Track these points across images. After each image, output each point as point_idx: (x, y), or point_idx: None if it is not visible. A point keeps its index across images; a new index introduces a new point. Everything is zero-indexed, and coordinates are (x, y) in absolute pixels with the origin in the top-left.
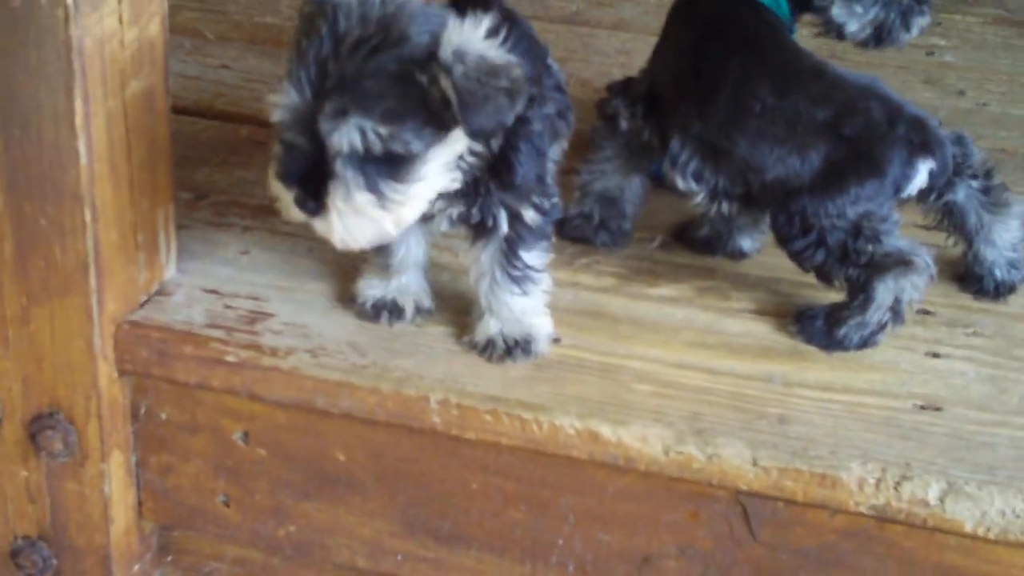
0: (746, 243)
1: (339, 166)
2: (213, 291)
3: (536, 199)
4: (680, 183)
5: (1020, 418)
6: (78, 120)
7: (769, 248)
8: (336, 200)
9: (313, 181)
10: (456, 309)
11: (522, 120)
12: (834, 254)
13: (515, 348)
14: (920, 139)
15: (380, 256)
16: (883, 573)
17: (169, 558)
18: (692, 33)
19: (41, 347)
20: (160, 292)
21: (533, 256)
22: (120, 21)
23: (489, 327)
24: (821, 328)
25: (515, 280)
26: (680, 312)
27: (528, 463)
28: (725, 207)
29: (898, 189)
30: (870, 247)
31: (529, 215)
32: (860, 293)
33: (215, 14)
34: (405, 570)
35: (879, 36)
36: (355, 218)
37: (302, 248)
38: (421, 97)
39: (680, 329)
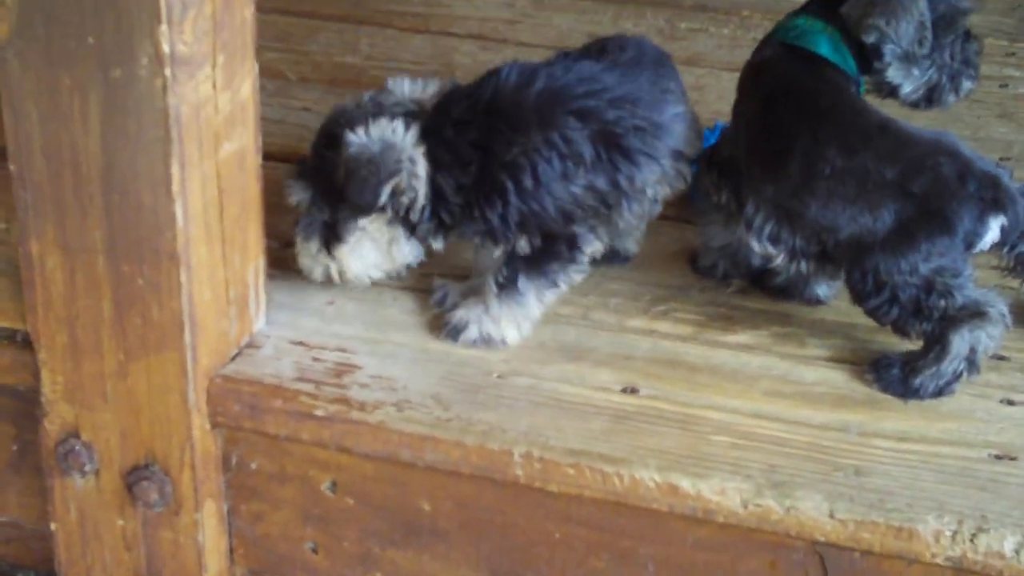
0: (822, 290)
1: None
2: (301, 343)
3: (531, 236)
4: (756, 246)
5: None
6: (175, 186)
7: (845, 293)
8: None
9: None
10: (537, 359)
11: (506, 164)
12: (907, 309)
13: (477, 340)
14: (992, 196)
15: None
16: None
17: None
18: (760, 97)
19: (138, 401)
20: (250, 345)
21: (526, 282)
22: (214, 86)
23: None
24: (897, 376)
25: (499, 285)
26: (757, 360)
27: (609, 514)
28: (803, 266)
29: (970, 245)
30: (943, 302)
31: (521, 245)
32: (936, 345)
33: (297, 54)
34: None
35: (930, 98)
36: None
37: (387, 297)
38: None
39: (757, 378)
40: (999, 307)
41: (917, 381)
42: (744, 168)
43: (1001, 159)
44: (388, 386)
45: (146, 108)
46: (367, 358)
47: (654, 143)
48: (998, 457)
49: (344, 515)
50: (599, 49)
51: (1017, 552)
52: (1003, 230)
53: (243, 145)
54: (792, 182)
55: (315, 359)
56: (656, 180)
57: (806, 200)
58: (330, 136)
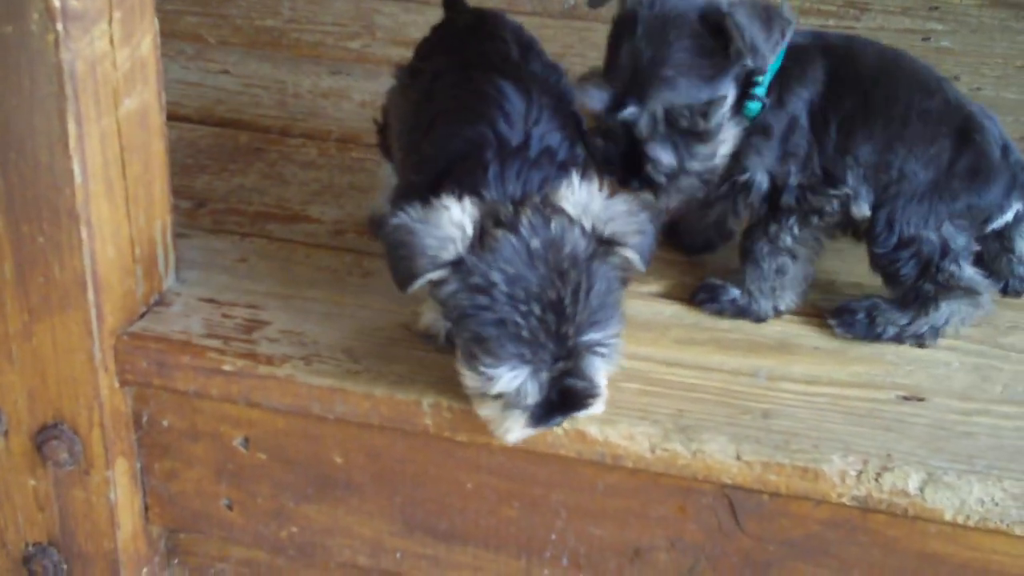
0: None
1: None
2: (211, 300)
3: None
4: (859, 211)
5: (1002, 407)
6: (72, 142)
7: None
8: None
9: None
10: None
11: None
12: (922, 266)
13: None
14: (1021, 180)
15: None
16: (867, 561)
17: (176, 560)
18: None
19: (44, 361)
20: (159, 303)
21: None
22: (112, 42)
23: None
24: (863, 321)
25: None
26: (670, 309)
27: (519, 462)
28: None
29: (988, 218)
30: (953, 268)
31: None
32: (922, 304)
33: (216, 18)
34: (405, 567)
35: None
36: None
37: (299, 255)
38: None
39: (670, 326)
40: (988, 294)
41: (880, 328)
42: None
43: None
44: (298, 340)
45: (39, 64)
46: (278, 313)
47: None
48: (906, 398)
49: (257, 470)
50: None
51: (921, 489)
52: (1016, 215)
53: (144, 102)
54: (888, 132)
55: (225, 315)
56: None
57: (896, 148)
58: None
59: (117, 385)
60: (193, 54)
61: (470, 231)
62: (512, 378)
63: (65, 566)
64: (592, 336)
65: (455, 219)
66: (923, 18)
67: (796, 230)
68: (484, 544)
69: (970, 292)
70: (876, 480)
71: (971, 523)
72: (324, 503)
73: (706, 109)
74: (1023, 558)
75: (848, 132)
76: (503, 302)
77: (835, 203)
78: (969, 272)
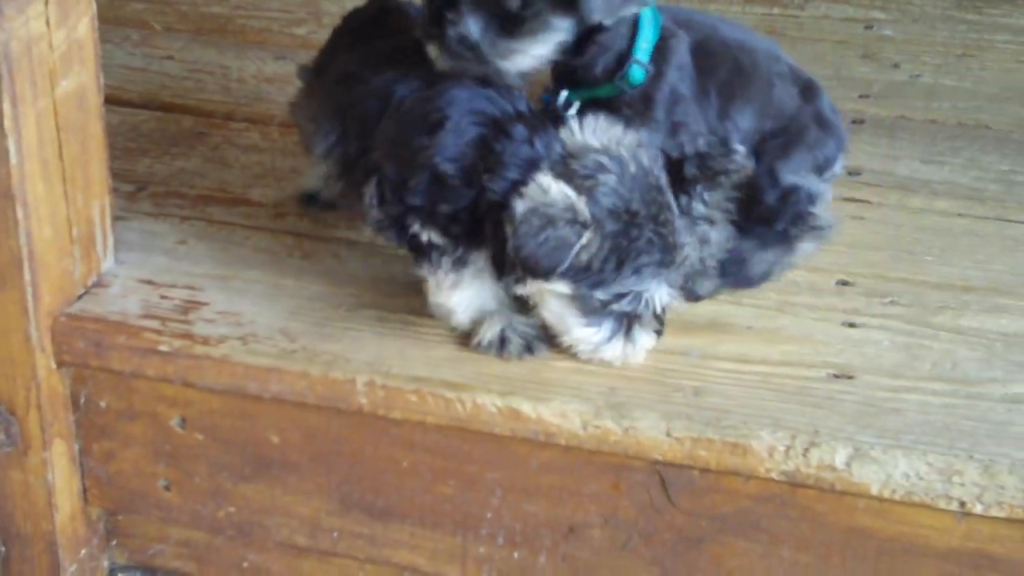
0: None
1: None
2: (149, 282)
3: None
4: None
5: (930, 384)
6: (7, 122)
7: None
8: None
9: None
10: (386, 293)
11: None
12: (797, 211)
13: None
14: (845, 138)
15: None
16: (798, 535)
17: (115, 542)
18: None
19: None
20: (97, 284)
21: None
22: (47, 23)
23: None
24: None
25: None
26: None
27: (454, 440)
28: None
29: (826, 169)
30: (817, 212)
31: None
32: (785, 246)
33: (162, 5)
34: (342, 546)
35: None
36: None
37: (239, 236)
38: None
39: None
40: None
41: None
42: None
43: (861, 96)
44: (235, 321)
45: None
46: (216, 294)
47: None
48: (836, 376)
49: (194, 451)
50: None
51: (848, 464)
52: (838, 171)
53: (82, 83)
54: (761, 94)
55: (163, 296)
56: None
57: (768, 108)
58: None
59: (54, 366)
60: (139, 40)
61: (575, 193)
62: (665, 294)
63: (3, 548)
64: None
65: (564, 191)
66: (867, 7)
67: (707, 196)
68: (420, 522)
69: (823, 231)
70: (804, 455)
71: (897, 497)
72: (261, 483)
73: None
74: (948, 532)
75: (728, 97)
76: (632, 229)
77: (737, 160)
78: (825, 215)
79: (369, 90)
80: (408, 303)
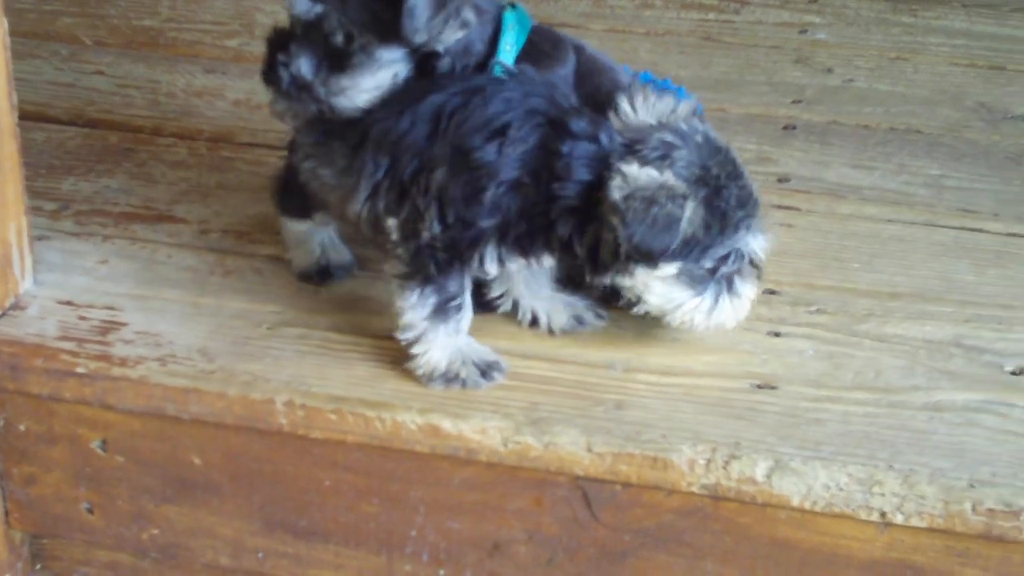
0: None
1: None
2: (68, 303)
3: None
4: None
5: (853, 393)
6: None
7: None
8: None
9: None
10: (309, 309)
11: None
12: None
13: None
14: None
15: None
16: (720, 548)
17: (39, 566)
18: None
19: None
20: (15, 306)
21: None
22: None
23: None
24: None
25: None
26: None
27: (376, 458)
28: None
29: None
30: None
31: None
32: None
33: (93, 18)
34: (267, 567)
35: None
36: None
37: (161, 254)
38: None
39: None
40: None
41: None
42: None
43: (793, 102)
44: (154, 342)
45: None
46: (135, 315)
47: None
48: (759, 387)
49: (116, 473)
50: None
51: (768, 476)
52: None
53: None
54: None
55: (81, 318)
56: None
57: None
58: None
59: None
60: (67, 55)
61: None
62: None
63: None
64: None
65: (650, 173)
66: (802, 11)
67: None
68: (344, 541)
69: None
70: (724, 468)
71: (818, 508)
72: (184, 504)
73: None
74: (870, 542)
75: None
76: (721, 191)
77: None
78: None
79: (406, 109)
80: (331, 320)
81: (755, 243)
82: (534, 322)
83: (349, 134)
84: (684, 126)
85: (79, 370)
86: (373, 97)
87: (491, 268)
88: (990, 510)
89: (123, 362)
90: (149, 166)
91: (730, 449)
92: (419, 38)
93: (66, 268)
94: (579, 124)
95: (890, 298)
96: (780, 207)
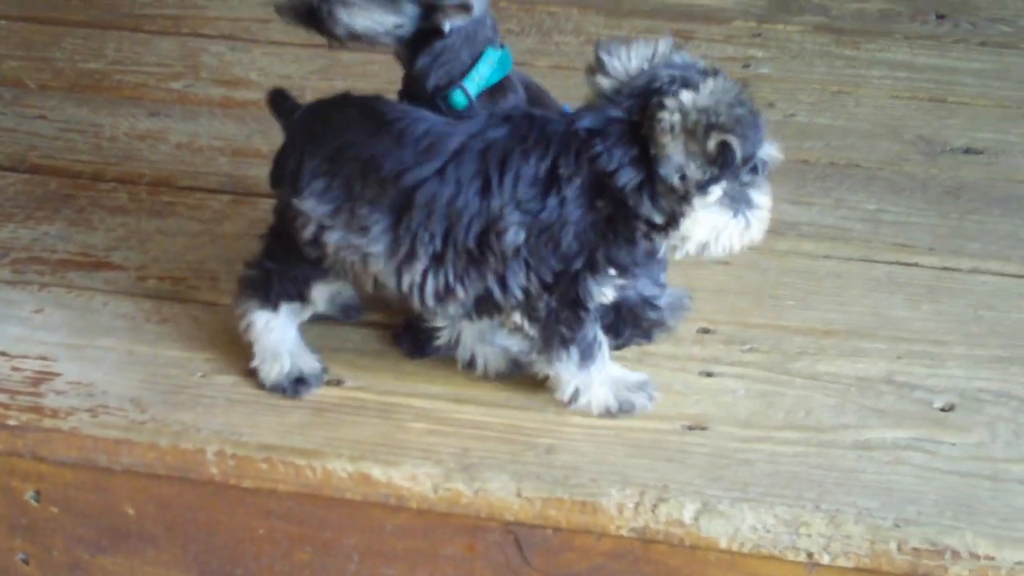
0: None
1: None
2: (2, 353)
3: None
4: None
5: (783, 432)
6: None
7: None
8: None
9: None
10: (243, 357)
11: None
12: None
13: None
14: None
15: None
16: None
17: None
18: None
19: None
20: None
21: None
22: None
23: None
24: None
25: None
26: None
27: (308, 506)
28: None
29: None
30: None
31: None
32: None
33: (39, 62)
34: None
35: None
36: None
37: (97, 302)
38: None
39: None
40: None
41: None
42: None
43: None
44: (86, 392)
45: None
46: (68, 364)
47: None
48: (690, 428)
49: (50, 524)
50: None
51: (696, 519)
52: None
53: None
54: None
55: (14, 368)
56: None
57: None
58: None
59: None
60: (11, 99)
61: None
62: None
63: None
64: None
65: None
66: (746, 44)
67: None
68: None
69: None
70: (653, 511)
71: (745, 550)
72: (119, 555)
73: None
74: None
75: None
76: (740, 105)
77: None
78: None
79: (445, 167)
80: None
81: (771, 149)
82: (470, 365)
83: (370, 194)
84: (679, 59)
85: (11, 422)
86: (370, 30)
87: (607, 296)
88: (915, 549)
89: (55, 413)
90: (88, 212)
91: (658, 492)
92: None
93: (2, 318)
94: (586, 119)
95: (824, 335)
96: None
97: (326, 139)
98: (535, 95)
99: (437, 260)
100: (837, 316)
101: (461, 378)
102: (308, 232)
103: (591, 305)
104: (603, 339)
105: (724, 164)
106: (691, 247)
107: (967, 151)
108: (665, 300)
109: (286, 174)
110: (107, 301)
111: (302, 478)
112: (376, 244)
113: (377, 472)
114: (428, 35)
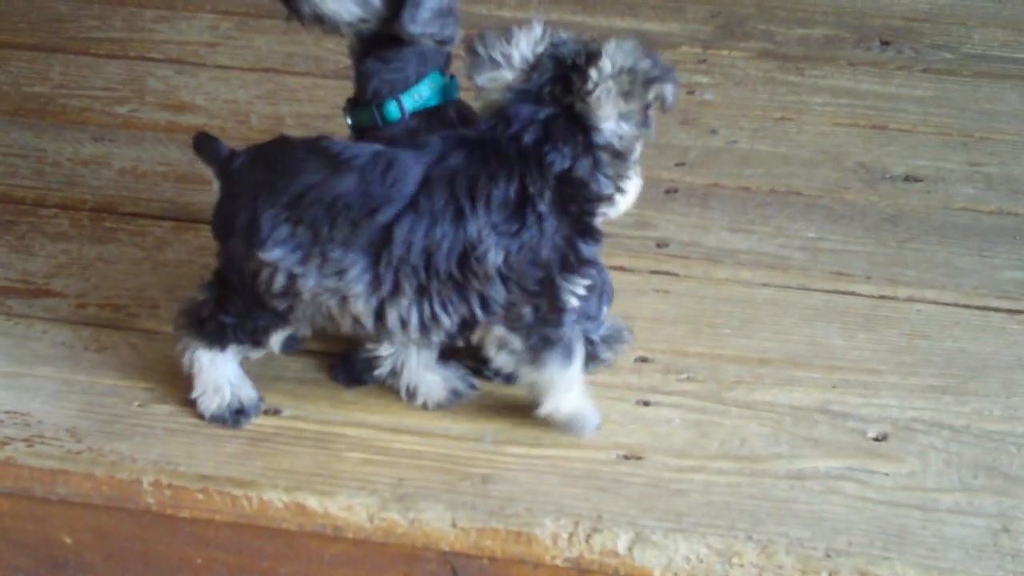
0: None
1: None
2: None
3: None
4: None
5: (716, 462)
6: None
7: None
8: None
9: None
10: (181, 386)
11: None
12: None
13: None
14: None
15: None
16: None
17: None
18: None
19: None
20: None
21: None
22: None
23: None
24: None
25: None
26: None
27: (245, 536)
28: None
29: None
30: None
31: None
32: None
33: None
34: None
35: None
36: None
37: (36, 331)
38: None
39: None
40: None
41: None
42: None
43: (677, 164)
44: (22, 421)
45: None
46: (5, 393)
47: None
48: (626, 457)
49: None
50: None
51: (630, 549)
52: None
53: None
54: None
55: None
56: None
57: None
58: None
59: None
60: None
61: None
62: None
63: None
64: None
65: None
66: (691, 71)
67: None
68: None
69: None
70: (587, 541)
71: None
72: None
73: None
74: None
75: None
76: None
77: None
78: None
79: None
80: None
81: (671, 88)
82: (412, 395)
83: (341, 235)
84: (564, 35)
85: None
86: (335, 15)
87: (580, 292)
88: None
89: None
90: (29, 238)
91: (592, 522)
92: (413, 30)
93: None
94: (528, 131)
95: (760, 364)
96: (657, 272)
97: (281, 185)
98: (464, 107)
99: (420, 291)
100: (773, 345)
101: (399, 407)
102: (278, 283)
103: (569, 306)
104: (581, 338)
105: (655, 113)
106: (622, 206)
107: (907, 179)
108: (601, 333)
109: (238, 227)
110: (46, 329)
111: (239, 508)
112: (356, 285)
113: (313, 502)
114: (386, 41)
